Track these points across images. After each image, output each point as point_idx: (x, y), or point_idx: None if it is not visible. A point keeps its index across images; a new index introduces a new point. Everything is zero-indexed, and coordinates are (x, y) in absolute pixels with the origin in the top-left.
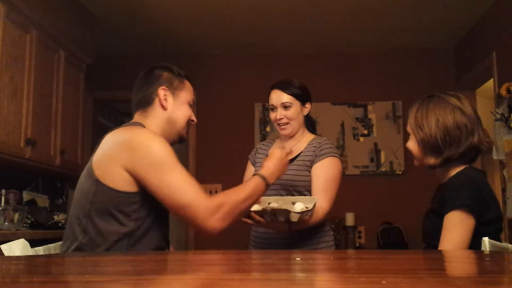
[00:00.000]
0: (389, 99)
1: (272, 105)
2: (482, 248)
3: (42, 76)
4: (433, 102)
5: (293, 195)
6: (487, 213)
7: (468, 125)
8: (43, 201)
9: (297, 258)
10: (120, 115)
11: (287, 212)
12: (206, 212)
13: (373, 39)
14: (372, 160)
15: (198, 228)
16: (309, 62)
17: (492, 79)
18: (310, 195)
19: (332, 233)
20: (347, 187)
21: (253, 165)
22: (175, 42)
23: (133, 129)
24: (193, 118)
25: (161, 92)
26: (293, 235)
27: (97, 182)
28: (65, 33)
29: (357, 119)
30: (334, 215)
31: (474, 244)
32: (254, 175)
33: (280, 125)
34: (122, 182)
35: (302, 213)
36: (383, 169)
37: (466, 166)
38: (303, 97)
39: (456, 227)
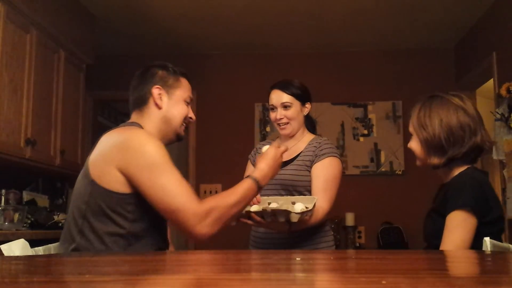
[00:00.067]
0: (389, 99)
1: (272, 105)
2: (484, 248)
3: (42, 76)
4: (435, 102)
5: (293, 195)
6: (490, 213)
7: (471, 125)
8: (43, 201)
9: (297, 258)
10: (120, 115)
11: (287, 213)
12: (195, 218)
13: (373, 39)
14: (372, 160)
15: (187, 233)
16: (309, 62)
17: (492, 79)
18: (310, 195)
19: (332, 233)
20: (347, 187)
21: (253, 165)
22: (175, 42)
23: (129, 129)
24: (191, 115)
25: (155, 91)
26: (293, 235)
27: (93, 183)
28: (65, 33)
29: (357, 119)
30: (334, 215)
31: (475, 244)
32: (247, 177)
33: (280, 125)
34: (116, 183)
35: (302, 213)
36: (383, 169)
37: (469, 166)
38: (303, 97)
39: (458, 227)
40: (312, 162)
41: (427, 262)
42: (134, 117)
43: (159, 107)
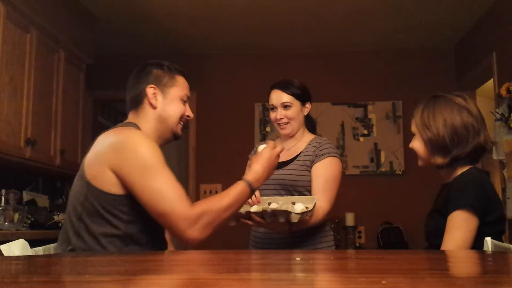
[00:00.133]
0: (389, 99)
1: (272, 105)
2: (485, 248)
3: (42, 76)
4: (439, 102)
5: (293, 195)
6: (491, 213)
7: (475, 125)
8: (43, 201)
9: (297, 258)
10: (120, 115)
11: (287, 213)
12: (185, 222)
13: (373, 39)
14: (372, 160)
15: (177, 237)
16: (309, 62)
17: (492, 79)
18: (310, 195)
19: (332, 233)
20: (347, 187)
21: None
22: (175, 42)
23: (125, 130)
24: (189, 113)
25: (150, 90)
26: (293, 235)
27: (88, 184)
28: (65, 33)
29: (357, 119)
30: (334, 215)
31: (476, 244)
32: (240, 179)
33: (280, 125)
34: (110, 184)
35: (302, 213)
36: (383, 169)
37: (471, 166)
38: (303, 97)
39: (459, 227)
40: (312, 162)
41: (427, 262)
42: (130, 117)
43: (153, 107)
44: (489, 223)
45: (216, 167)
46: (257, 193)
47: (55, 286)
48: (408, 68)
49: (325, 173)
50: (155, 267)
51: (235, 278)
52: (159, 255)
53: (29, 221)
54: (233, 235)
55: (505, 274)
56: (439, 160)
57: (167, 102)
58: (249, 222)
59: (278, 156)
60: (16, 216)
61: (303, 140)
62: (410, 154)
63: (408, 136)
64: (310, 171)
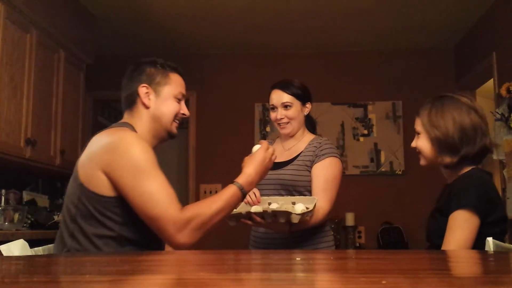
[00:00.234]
0: (389, 99)
1: (273, 105)
2: (486, 249)
3: (42, 76)
4: (447, 102)
5: (293, 195)
6: (493, 214)
7: (482, 126)
8: (43, 201)
9: (297, 258)
10: (120, 115)
11: (288, 214)
12: (175, 227)
13: (373, 39)
14: (372, 160)
15: (166, 241)
16: (309, 62)
17: (492, 79)
18: (310, 195)
19: (332, 233)
20: (347, 187)
21: None
22: (175, 42)
23: (118, 131)
24: (184, 111)
25: (142, 90)
26: (294, 236)
27: (81, 186)
28: (65, 33)
29: (357, 119)
30: (334, 215)
31: (478, 244)
32: (232, 182)
33: (280, 125)
34: (103, 187)
35: (303, 214)
36: (383, 169)
37: (473, 167)
38: (303, 97)
39: (460, 226)
40: (312, 162)
41: (427, 262)
42: (125, 117)
43: (146, 106)
44: (491, 223)
45: (216, 167)
46: (257, 193)
47: (55, 286)
48: (408, 68)
49: (325, 173)
50: (155, 268)
51: (235, 278)
52: (159, 255)
53: (29, 221)
54: (233, 235)
55: (506, 274)
56: (447, 159)
57: (161, 101)
58: (249, 222)
59: (271, 158)
60: (16, 216)
61: (303, 140)
62: (410, 154)
63: (408, 136)
64: (310, 171)
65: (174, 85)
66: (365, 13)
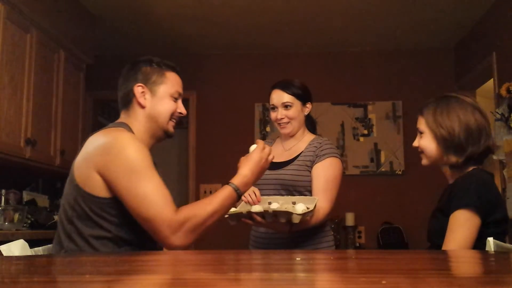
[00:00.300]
0: (389, 99)
1: (273, 104)
2: (487, 249)
3: (42, 76)
4: (452, 101)
5: (293, 195)
6: (494, 214)
7: (486, 126)
8: (43, 201)
9: (297, 258)
10: None
11: (289, 214)
12: (169, 229)
13: (373, 39)
14: (372, 160)
15: (160, 243)
16: (309, 62)
17: (492, 79)
18: (311, 195)
19: (332, 233)
20: (347, 187)
21: None
22: (175, 42)
23: (113, 132)
24: (181, 110)
25: (137, 89)
26: (294, 235)
27: (77, 187)
28: (65, 33)
29: (357, 119)
30: (334, 215)
31: (479, 244)
32: (227, 183)
33: (280, 125)
34: (98, 188)
35: (303, 214)
36: (383, 169)
37: (475, 167)
38: (304, 97)
39: (461, 226)
40: (313, 162)
41: (427, 262)
42: (122, 117)
43: (142, 106)
44: (492, 223)
45: (216, 167)
46: (257, 192)
47: (55, 286)
48: (408, 68)
49: (325, 174)
50: (155, 268)
51: (235, 278)
52: (159, 255)
53: (29, 221)
54: (233, 235)
55: (507, 275)
56: (453, 159)
57: (156, 100)
58: (250, 222)
59: (268, 158)
60: (16, 216)
61: (304, 140)
62: (410, 154)
63: (408, 136)
64: (310, 171)
65: (170, 84)
66: (365, 13)
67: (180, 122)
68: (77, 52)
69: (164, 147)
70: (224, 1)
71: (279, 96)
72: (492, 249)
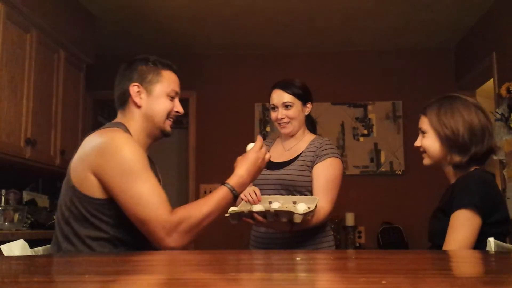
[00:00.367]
0: (389, 99)
1: (273, 104)
2: (487, 249)
3: (42, 76)
4: (456, 102)
5: (294, 195)
6: (495, 214)
7: (489, 127)
8: (43, 201)
9: (297, 258)
10: None
11: (290, 214)
12: (164, 230)
13: (373, 39)
14: (372, 160)
15: (156, 244)
16: (309, 62)
17: (492, 79)
18: (311, 195)
19: (332, 233)
20: (347, 187)
21: None
22: (175, 42)
23: (109, 132)
24: (178, 109)
25: (133, 89)
26: (294, 235)
27: (73, 189)
28: (65, 33)
29: (357, 119)
30: (334, 215)
31: (479, 244)
32: (223, 183)
33: (281, 124)
34: (94, 189)
35: (305, 214)
36: (383, 169)
37: (476, 167)
38: (304, 97)
39: (462, 226)
40: (313, 163)
41: (427, 262)
42: (119, 116)
43: (137, 106)
44: (492, 223)
45: (216, 167)
46: (257, 191)
47: (55, 286)
48: (408, 68)
49: (326, 174)
50: (155, 268)
51: (235, 278)
52: (158, 255)
53: (29, 221)
54: (234, 235)
55: (507, 275)
56: (457, 158)
57: (152, 99)
58: (251, 221)
59: (264, 158)
60: (16, 216)
61: (304, 140)
62: (410, 154)
63: (409, 136)
64: (311, 172)
65: (166, 82)
66: (365, 13)
67: (180, 122)
68: (77, 52)
69: (164, 147)
70: (224, 1)
71: (279, 96)
72: (493, 249)
